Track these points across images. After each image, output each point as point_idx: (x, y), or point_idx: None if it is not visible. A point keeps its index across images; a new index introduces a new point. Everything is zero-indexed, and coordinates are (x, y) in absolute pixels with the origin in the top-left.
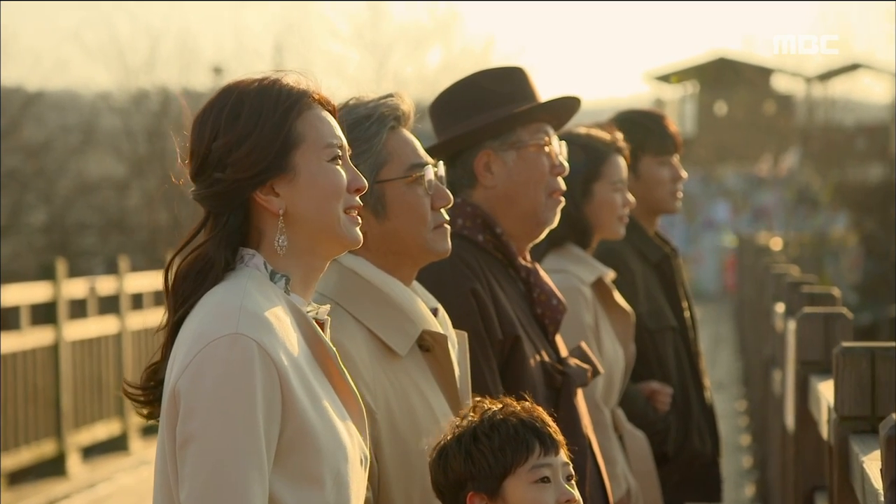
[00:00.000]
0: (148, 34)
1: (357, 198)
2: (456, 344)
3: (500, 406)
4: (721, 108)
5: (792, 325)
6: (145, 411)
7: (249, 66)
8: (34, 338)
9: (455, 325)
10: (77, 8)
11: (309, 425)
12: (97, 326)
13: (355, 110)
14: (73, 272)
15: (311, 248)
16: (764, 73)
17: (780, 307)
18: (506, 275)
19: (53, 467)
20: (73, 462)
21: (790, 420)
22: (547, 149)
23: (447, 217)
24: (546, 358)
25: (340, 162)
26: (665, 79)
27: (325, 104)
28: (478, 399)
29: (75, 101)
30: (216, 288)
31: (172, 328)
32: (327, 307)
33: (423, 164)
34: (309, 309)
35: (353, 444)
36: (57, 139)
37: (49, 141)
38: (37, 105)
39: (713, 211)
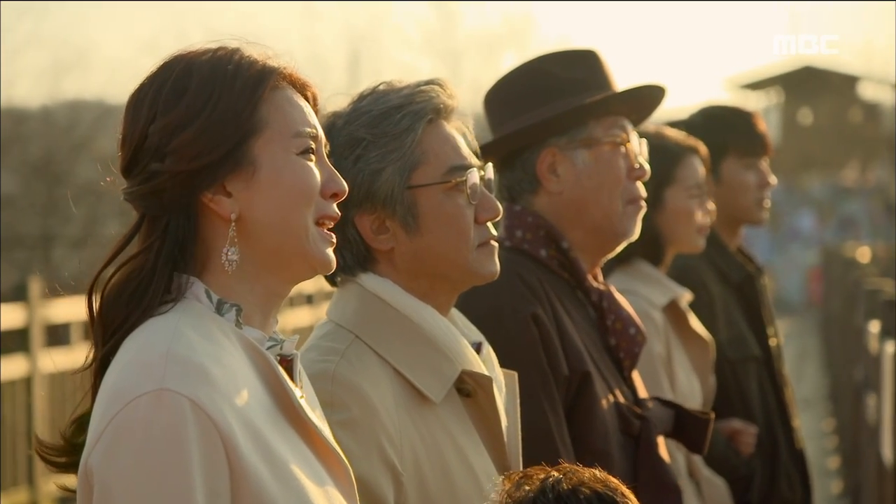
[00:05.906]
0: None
1: (334, 206)
2: (504, 387)
3: (563, 472)
4: (806, 116)
5: (890, 348)
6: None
7: (322, 78)
8: (85, 354)
9: (513, 358)
10: (151, 17)
11: (269, 501)
12: None
13: (384, 98)
14: None
15: (271, 267)
16: (850, 80)
17: (874, 326)
18: (573, 298)
19: None
20: None
21: (888, 452)
22: (624, 148)
23: (494, 232)
24: (621, 398)
25: (314, 157)
26: (749, 86)
27: (300, 88)
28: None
29: None
30: (140, 328)
31: (101, 367)
32: (294, 339)
33: (466, 167)
34: (270, 345)
35: None
36: None
37: None
38: (113, 116)
39: (798, 221)
